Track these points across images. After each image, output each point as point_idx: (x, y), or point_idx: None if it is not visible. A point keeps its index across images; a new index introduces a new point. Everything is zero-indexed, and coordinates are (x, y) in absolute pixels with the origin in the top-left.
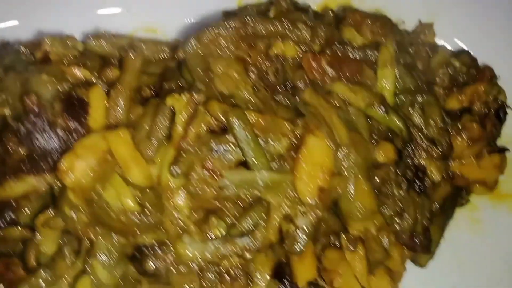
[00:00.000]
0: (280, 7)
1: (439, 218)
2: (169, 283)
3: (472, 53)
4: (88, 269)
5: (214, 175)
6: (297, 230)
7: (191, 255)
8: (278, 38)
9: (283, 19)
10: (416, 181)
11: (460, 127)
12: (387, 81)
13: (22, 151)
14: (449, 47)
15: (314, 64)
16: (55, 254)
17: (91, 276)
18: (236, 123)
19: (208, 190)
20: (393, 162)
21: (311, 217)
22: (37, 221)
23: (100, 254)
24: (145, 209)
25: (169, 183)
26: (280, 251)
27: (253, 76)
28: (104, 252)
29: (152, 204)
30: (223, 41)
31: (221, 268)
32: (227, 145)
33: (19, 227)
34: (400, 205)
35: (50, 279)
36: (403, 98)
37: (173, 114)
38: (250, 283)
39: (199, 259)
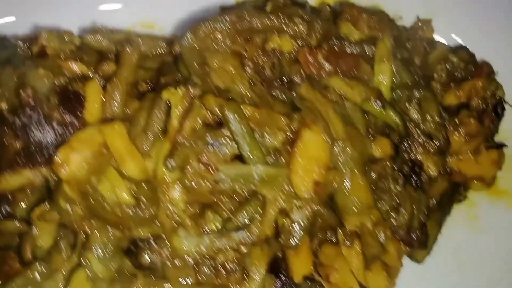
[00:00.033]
0: (277, 2)
1: (436, 213)
2: (164, 277)
3: (470, 49)
4: (83, 262)
5: (210, 169)
6: (292, 224)
7: (186, 249)
8: (275, 33)
9: (279, 13)
10: (413, 176)
11: (457, 122)
12: (384, 76)
13: (18, 144)
14: (447, 43)
15: (310, 59)
16: (51, 248)
17: (87, 270)
18: (231, 117)
19: (204, 184)
20: (389, 157)
21: (306, 211)
22: (33, 215)
23: (95, 247)
24: (140, 203)
25: (165, 176)
26: (276, 246)
27: (249, 70)
28: (99, 245)
29: (148, 197)
30: (219, 35)
31: (217, 262)
32: (222, 139)
33: (15, 221)
34: (397, 200)
35: (45, 272)
36: (400, 93)
37: (169, 108)
38: (245, 277)
39: (195, 253)
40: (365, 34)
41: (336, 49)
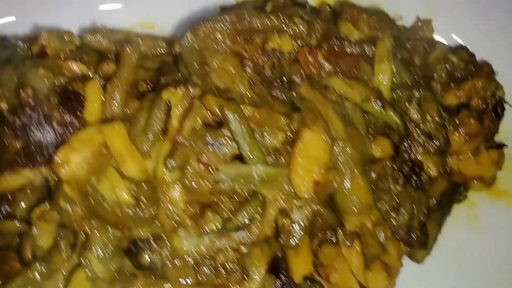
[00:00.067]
0: (277, 2)
1: (436, 213)
2: (164, 277)
3: (470, 49)
4: (83, 262)
5: (210, 169)
6: (292, 224)
7: (186, 249)
8: (275, 33)
9: (279, 13)
10: (413, 176)
11: (457, 122)
12: (384, 76)
13: (18, 144)
14: (447, 43)
15: (310, 59)
16: (51, 248)
17: (87, 270)
18: (231, 117)
19: (204, 184)
20: (389, 157)
21: (306, 211)
22: (33, 215)
23: (95, 247)
24: (140, 203)
25: (165, 176)
26: (276, 246)
27: (249, 70)
28: (99, 245)
29: (148, 197)
30: (219, 35)
31: (217, 262)
32: (222, 139)
33: (15, 221)
34: (397, 200)
35: (45, 272)
36: (400, 93)
37: (169, 108)
38: (245, 277)
39: (195, 253)
40: (365, 34)
41: (336, 49)
